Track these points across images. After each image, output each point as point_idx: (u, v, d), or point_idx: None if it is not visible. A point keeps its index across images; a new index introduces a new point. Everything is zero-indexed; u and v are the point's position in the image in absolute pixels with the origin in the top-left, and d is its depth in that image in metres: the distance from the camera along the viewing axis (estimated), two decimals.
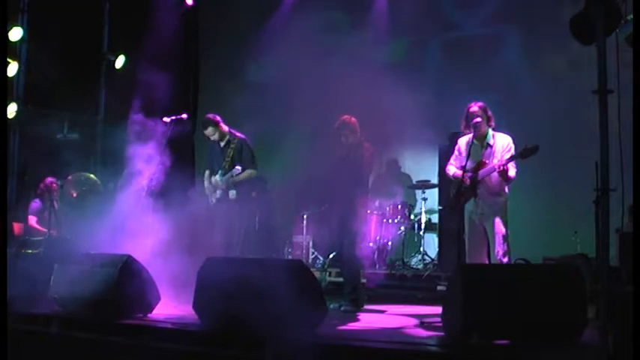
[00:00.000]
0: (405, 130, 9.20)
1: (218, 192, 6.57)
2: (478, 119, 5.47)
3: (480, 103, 5.60)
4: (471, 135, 5.57)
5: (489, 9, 8.26)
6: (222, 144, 6.72)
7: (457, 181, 5.60)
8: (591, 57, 4.54)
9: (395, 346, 4.06)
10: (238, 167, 6.44)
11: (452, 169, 5.78)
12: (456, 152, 5.81)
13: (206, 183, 6.74)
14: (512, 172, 5.44)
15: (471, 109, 5.55)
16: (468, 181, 5.43)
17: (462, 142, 5.75)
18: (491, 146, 5.54)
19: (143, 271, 5.14)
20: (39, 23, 8.59)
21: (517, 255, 5.53)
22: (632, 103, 3.95)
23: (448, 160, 5.95)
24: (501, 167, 5.32)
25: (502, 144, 5.53)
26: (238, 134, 6.71)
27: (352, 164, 6.11)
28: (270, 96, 8.73)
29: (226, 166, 6.56)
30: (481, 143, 5.56)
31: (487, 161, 5.48)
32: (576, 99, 7.10)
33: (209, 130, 6.66)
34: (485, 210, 5.49)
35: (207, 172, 6.81)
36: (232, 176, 6.48)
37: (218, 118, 6.70)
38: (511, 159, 5.37)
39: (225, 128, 6.72)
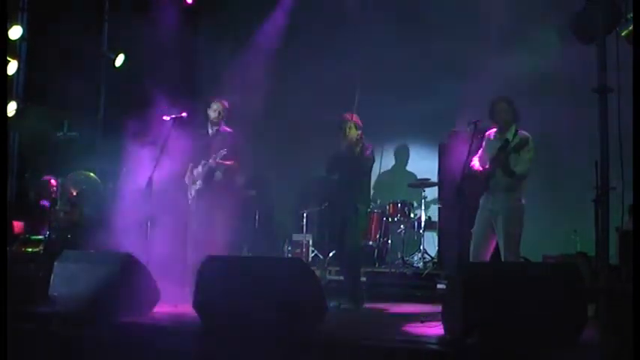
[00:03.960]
0: (405, 128, 9.22)
1: (199, 183, 6.48)
2: (501, 115, 5.42)
3: (506, 97, 5.50)
4: (494, 129, 5.54)
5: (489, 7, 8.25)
6: (211, 132, 6.64)
7: (471, 174, 5.54)
8: (591, 55, 4.55)
9: (394, 345, 4.06)
10: (223, 150, 6.29)
11: (476, 161, 5.67)
12: (483, 145, 5.71)
13: (187, 174, 6.65)
14: (518, 167, 5.27)
15: (496, 103, 5.47)
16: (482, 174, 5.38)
17: (488, 135, 5.67)
18: (508, 141, 5.38)
19: (143, 269, 5.14)
20: (39, 22, 8.57)
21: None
22: (632, 101, 3.95)
23: (447, 159, 5.92)
24: (499, 158, 5.25)
25: (519, 140, 5.35)
26: (227, 128, 6.66)
27: (352, 162, 6.11)
28: (270, 94, 8.73)
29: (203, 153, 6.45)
30: (501, 138, 5.47)
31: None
32: (577, 97, 7.11)
33: (215, 106, 6.55)
34: (495, 206, 5.39)
35: (190, 165, 6.69)
36: (216, 157, 6.32)
37: (226, 104, 6.62)
38: (506, 152, 5.24)
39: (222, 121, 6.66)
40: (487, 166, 5.44)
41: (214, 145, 6.49)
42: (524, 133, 5.44)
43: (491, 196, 5.42)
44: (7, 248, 6.29)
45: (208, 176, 6.43)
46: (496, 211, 5.39)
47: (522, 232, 5.40)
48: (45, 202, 7.49)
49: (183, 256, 6.50)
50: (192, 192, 6.54)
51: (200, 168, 6.50)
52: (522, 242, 5.50)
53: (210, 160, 6.34)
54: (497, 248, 5.43)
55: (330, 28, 9.12)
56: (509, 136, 5.42)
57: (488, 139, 5.63)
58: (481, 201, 5.49)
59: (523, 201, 5.43)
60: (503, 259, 5.30)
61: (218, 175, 6.40)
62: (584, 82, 4.76)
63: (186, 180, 6.63)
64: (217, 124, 6.58)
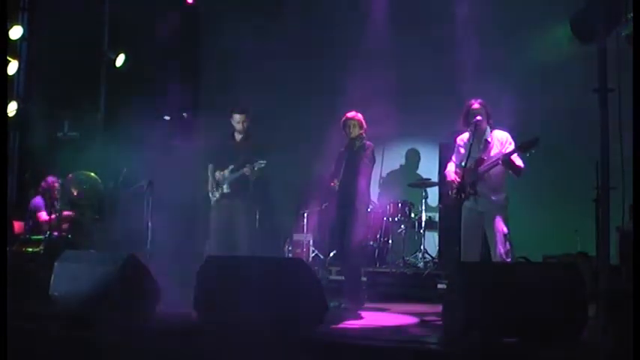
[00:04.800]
0: (406, 127, 9.21)
1: (225, 186, 6.43)
2: (479, 117, 5.45)
3: (481, 100, 5.56)
4: (469, 133, 5.56)
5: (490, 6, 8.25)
6: (238, 138, 6.57)
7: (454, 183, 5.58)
8: (592, 55, 4.55)
9: (395, 345, 4.07)
10: (262, 162, 6.21)
11: (452, 167, 5.75)
12: (456, 151, 5.80)
13: (210, 178, 6.60)
14: (519, 162, 5.37)
15: (473, 106, 5.51)
16: (462, 180, 5.39)
17: (461, 140, 5.73)
18: (489, 142, 5.52)
19: (144, 270, 5.14)
20: (39, 21, 8.58)
21: (517, 253, 5.54)
22: (632, 102, 3.94)
23: (449, 159, 5.93)
24: (504, 158, 5.27)
25: (500, 139, 5.49)
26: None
27: (353, 161, 6.11)
28: (271, 93, 8.73)
29: (241, 161, 6.37)
30: (479, 140, 5.54)
31: (485, 157, 5.46)
32: (577, 97, 7.10)
33: (238, 118, 6.45)
34: (485, 208, 5.44)
35: (210, 167, 6.64)
36: (254, 167, 6.24)
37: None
38: (513, 152, 5.31)
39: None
40: (467, 172, 5.46)
41: (243, 151, 6.43)
42: (500, 131, 5.55)
43: (480, 198, 5.44)
44: (8, 248, 6.30)
45: (240, 183, 6.36)
46: (486, 212, 5.43)
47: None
48: (39, 205, 7.50)
49: (186, 254, 6.50)
50: (217, 194, 6.49)
51: (226, 172, 6.42)
52: (523, 242, 5.53)
53: (246, 169, 6.26)
54: (487, 249, 5.46)
55: (331, 26, 9.13)
56: (487, 137, 5.48)
57: (462, 142, 5.65)
58: (467, 203, 5.49)
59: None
60: (494, 257, 5.33)
61: (251, 185, 6.35)
62: (585, 82, 4.77)
63: (210, 180, 6.57)
64: (244, 132, 6.53)
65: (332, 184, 6.17)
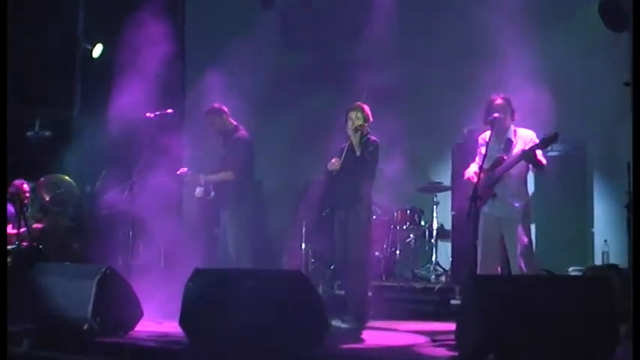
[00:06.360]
0: (416, 126, 9.24)
1: (212, 193, 6.55)
2: (496, 115, 5.46)
3: (504, 95, 5.58)
4: (489, 131, 5.58)
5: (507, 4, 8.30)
6: (221, 140, 6.76)
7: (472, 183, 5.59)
8: (617, 48, 4.57)
9: None
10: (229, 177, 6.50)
11: (473, 167, 5.71)
12: (478, 150, 5.77)
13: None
14: (541, 158, 5.36)
15: (495, 102, 5.53)
16: (478, 182, 5.40)
17: (482, 139, 5.72)
18: (511, 142, 5.52)
19: (124, 284, 5.15)
20: (5, 6, 8.58)
21: (540, 266, 5.55)
22: (632, 101, 3.96)
23: (463, 161, 5.94)
24: (525, 152, 5.28)
25: (524, 138, 5.49)
26: (241, 132, 6.68)
27: (353, 158, 6.06)
28: (269, 91, 8.75)
29: (229, 165, 6.57)
30: (500, 139, 5.56)
31: (505, 157, 5.47)
32: (602, 93, 7.12)
33: (207, 120, 6.70)
34: (503, 214, 5.45)
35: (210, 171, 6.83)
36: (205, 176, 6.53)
37: (224, 109, 6.71)
38: (533, 147, 5.30)
39: (232, 122, 6.71)
40: (485, 173, 5.48)
41: (225, 154, 6.67)
42: (524, 130, 5.56)
43: (499, 202, 5.46)
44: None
45: (221, 188, 6.58)
46: (506, 218, 5.44)
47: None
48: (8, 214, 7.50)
49: (172, 266, 6.53)
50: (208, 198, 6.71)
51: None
52: (546, 252, 5.53)
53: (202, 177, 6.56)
54: (506, 262, 5.47)
55: (330, 25, 9.16)
56: (509, 135, 5.52)
57: (483, 141, 5.67)
58: (485, 208, 5.50)
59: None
60: (514, 270, 5.34)
61: (232, 191, 6.53)
62: (609, 76, 4.80)
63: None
64: (223, 133, 6.70)
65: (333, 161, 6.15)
